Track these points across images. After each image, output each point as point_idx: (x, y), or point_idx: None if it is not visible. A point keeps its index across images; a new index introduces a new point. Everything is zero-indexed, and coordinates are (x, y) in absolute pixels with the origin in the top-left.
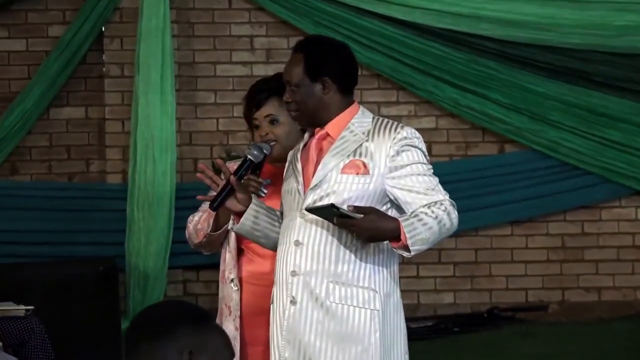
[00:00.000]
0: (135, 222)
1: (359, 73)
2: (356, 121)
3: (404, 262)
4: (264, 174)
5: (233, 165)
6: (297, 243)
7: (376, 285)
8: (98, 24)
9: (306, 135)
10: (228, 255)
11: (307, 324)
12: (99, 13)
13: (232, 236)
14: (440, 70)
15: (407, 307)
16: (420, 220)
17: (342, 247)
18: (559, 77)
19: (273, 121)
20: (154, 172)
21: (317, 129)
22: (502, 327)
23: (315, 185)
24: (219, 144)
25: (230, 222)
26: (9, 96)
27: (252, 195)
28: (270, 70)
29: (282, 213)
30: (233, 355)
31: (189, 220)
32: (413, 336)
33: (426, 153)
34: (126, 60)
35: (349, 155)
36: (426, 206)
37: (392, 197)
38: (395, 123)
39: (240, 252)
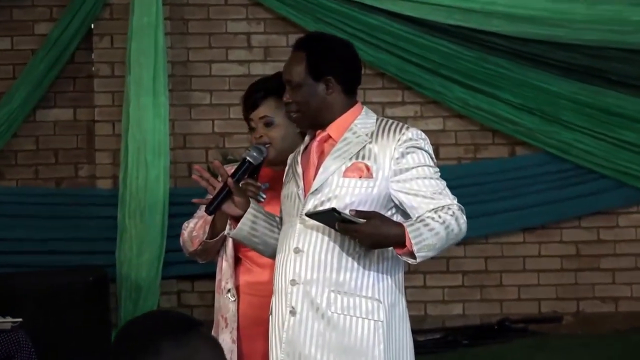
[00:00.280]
0: (127, 230)
1: (363, 72)
2: (359, 122)
3: (409, 271)
4: (262, 177)
5: (230, 169)
6: (297, 250)
7: (380, 295)
8: (87, 21)
9: (307, 138)
10: (225, 264)
11: (308, 335)
12: (87, 10)
13: (229, 244)
14: (448, 69)
15: (413, 319)
16: (427, 225)
17: (344, 255)
18: (572, 75)
19: (268, 123)
20: (146, 177)
21: (318, 131)
22: (513, 339)
23: (316, 189)
24: (214, 147)
25: (227, 227)
26: None
27: (251, 199)
28: (268, 69)
29: (281, 219)
30: None
31: (183, 227)
32: (420, 350)
33: (433, 155)
34: (116, 59)
35: (351, 158)
36: (433, 211)
37: (396, 202)
38: (400, 124)
39: (237, 261)
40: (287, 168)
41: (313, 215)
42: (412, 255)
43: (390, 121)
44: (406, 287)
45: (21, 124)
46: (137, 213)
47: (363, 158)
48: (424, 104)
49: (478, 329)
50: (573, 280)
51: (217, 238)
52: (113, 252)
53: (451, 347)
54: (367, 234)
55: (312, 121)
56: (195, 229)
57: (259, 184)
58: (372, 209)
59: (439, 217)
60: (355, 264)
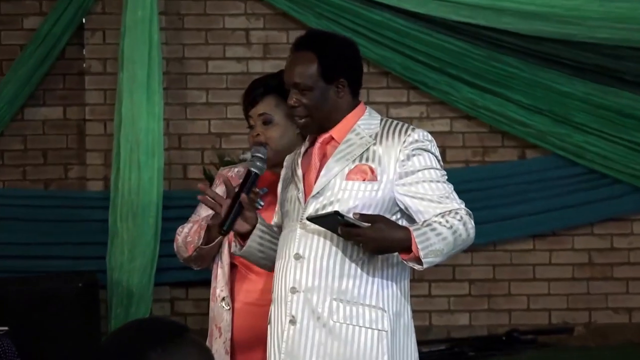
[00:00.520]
0: (118, 234)
1: (366, 70)
2: (363, 123)
3: (414, 279)
4: (260, 182)
5: (227, 172)
6: (298, 256)
7: (384, 304)
8: (78, 16)
9: (306, 140)
10: (220, 272)
11: (308, 345)
12: (78, 3)
13: (225, 250)
14: (456, 68)
15: (418, 329)
16: (434, 230)
17: (347, 261)
18: (585, 75)
19: (267, 121)
20: (139, 179)
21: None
22: (522, 351)
23: (318, 192)
24: (211, 147)
25: (233, 245)
26: None
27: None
28: (267, 67)
29: (279, 226)
30: None
31: (177, 231)
32: None
33: (439, 158)
34: (109, 56)
35: (354, 160)
36: (440, 215)
37: (402, 206)
38: (406, 125)
39: (233, 268)
40: (283, 171)
41: (314, 219)
42: (418, 261)
43: (395, 122)
44: (410, 296)
45: (8, 122)
46: (129, 216)
47: (367, 160)
48: (430, 105)
49: (485, 340)
50: (585, 290)
51: (212, 244)
52: (104, 257)
53: (457, 359)
54: (372, 239)
55: (322, 125)
56: (190, 234)
57: (257, 189)
58: (377, 213)
59: (447, 221)
60: (359, 271)
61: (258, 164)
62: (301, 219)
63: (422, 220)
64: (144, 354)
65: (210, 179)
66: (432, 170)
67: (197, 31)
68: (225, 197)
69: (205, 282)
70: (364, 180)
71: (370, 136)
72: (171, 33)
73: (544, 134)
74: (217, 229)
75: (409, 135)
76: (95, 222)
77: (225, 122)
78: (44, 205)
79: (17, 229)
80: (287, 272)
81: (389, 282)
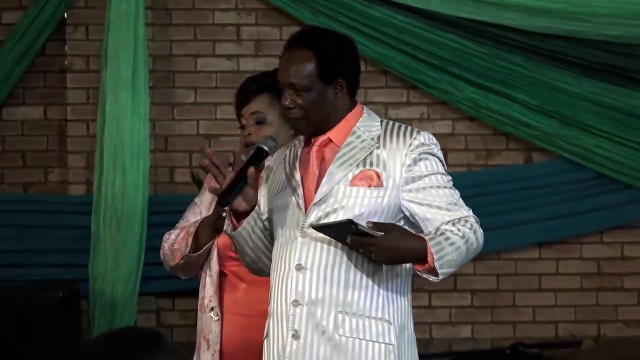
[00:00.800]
0: (101, 241)
1: (364, 69)
2: (362, 125)
3: (413, 290)
4: None
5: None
6: (299, 267)
7: (390, 316)
8: (59, 10)
9: (297, 141)
10: (208, 280)
11: None
12: None
13: (214, 258)
14: (458, 67)
15: (417, 343)
16: (448, 239)
17: (352, 271)
18: (594, 74)
19: (260, 121)
20: (123, 183)
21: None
22: None
23: (320, 199)
24: (199, 150)
25: (226, 224)
26: None
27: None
28: (259, 65)
29: (271, 232)
30: None
31: (164, 238)
32: None
33: (444, 162)
34: (92, 52)
35: (358, 165)
36: (450, 223)
37: (407, 213)
38: (410, 127)
39: (222, 277)
40: (270, 174)
41: (321, 227)
42: (433, 272)
43: (397, 124)
44: None
45: None
46: (112, 222)
47: (371, 165)
48: (431, 105)
49: (488, 354)
50: (594, 301)
51: (200, 251)
52: (86, 265)
53: None
54: (386, 248)
55: (318, 127)
56: (177, 241)
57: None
58: (382, 220)
59: (458, 230)
60: (364, 282)
61: (270, 142)
62: (302, 227)
63: (430, 228)
64: None
65: (198, 183)
66: (439, 176)
67: (185, 27)
68: (212, 200)
69: (193, 292)
70: (369, 186)
71: (372, 139)
72: (158, 29)
73: (551, 137)
74: (218, 200)
75: (415, 138)
76: (77, 228)
77: (215, 123)
78: (22, 210)
79: None
80: (287, 284)
81: (395, 293)
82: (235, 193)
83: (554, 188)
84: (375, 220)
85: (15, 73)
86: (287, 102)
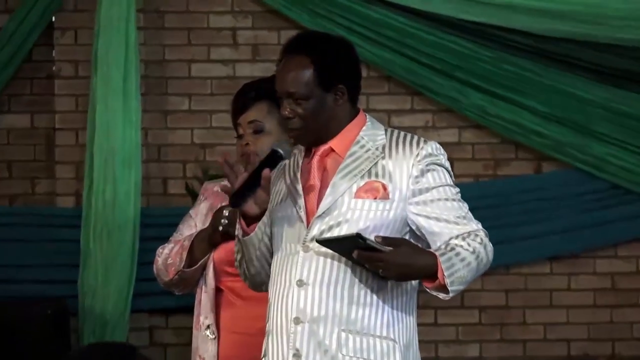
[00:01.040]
0: (91, 255)
1: (365, 75)
2: (366, 134)
3: (418, 306)
4: None
5: (212, 187)
6: (301, 283)
7: (395, 335)
8: (47, 13)
9: (298, 151)
10: (204, 297)
11: None
12: (48, 0)
13: (210, 273)
14: (464, 72)
15: None
16: (458, 255)
17: (355, 287)
18: (608, 80)
19: (257, 130)
20: (114, 194)
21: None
22: None
23: (324, 212)
24: (194, 160)
25: (237, 228)
26: None
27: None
28: (256, 70)
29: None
30: None
31: (157, 253)
32: None
33: (452, 173)
34: (81, 57)
35: (363, 176)
36: (459, 238)
37: (413, 226)
38: (416, 137)
39: (218, 293)
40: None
41: (327, 241)
42: (443, 289)
43: (403, 133)
44: None
45: None
46: (103, 236)
47: (377, 176)
48: (436, 112)
49: None
50: (608, 318)
51: (196, 266)
52: (75, 280)
53: None
54: (395, 264)
55: (318, 137)
56: (171, 255)
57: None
58: (387, 234)
59: (468, 245)
60: (369, 299)
61: (286, 146)
62: (304, 241)
63: (439, 242)
64: None
65: (192, 195)
66: (447, 188)
67: (178, 30)
68: (208, 213)
69: (188, 309)
70: (375, 198)
71: (377, 149)
72: (150, 32)
73: (562, 145)
74: (229, 200)
75: (422, 148)
76: (66, 242)
77: (210, 132)
78: (8, 223)
79: None
80: (288, 301)
81: (400, 311)
82: (247, 195)
83: (566, 199)
84: (381, 233)
85: (1, 79)
86: (287, 112)
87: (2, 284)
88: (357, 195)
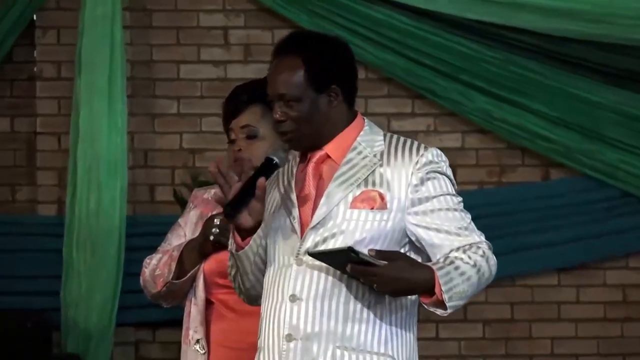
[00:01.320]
0: (74, 266)
1: (364, 76)
2: (363, 140)
3: (419, 320)
4: None
5: (202, 194)
6: (294, 298)
7: (394, 351)
8: (28, 11)
9: (292, 157)
10: (194, 309)
11: None
12: None
13: (200, 285)
14: (468, 74)
15: None
16: (457, 268)
17: (351, 302)
18: (619, 82)
19: (251, 135)
20: (98, 202)
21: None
22: None
23: (318, 223)
24: (182, 166)
25: (230, 243)
26: None
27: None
28: (249, 72)
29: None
30: None
31: (144, 263)
32: None
33: (454, 181)
34: (64, 58)
35: (359, 185)
36: (460, 250)
37: (413, 238)
38: (416, 142)
39: (208, 306)
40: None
41: (318, 254)
42: (441, 304)
43: (402, 138)
44: None
45: None
46: (87, 245)
47: (374, 185)
48: (439, 116)
49: None
50: (619, 332)
51: (185, 278)
52: (57, 292)
53: None
54: (390, 279)
55: (312, 141)
56: (158, 266)
57: None
58: (385, 246)
59: (469, 257)
60: (365, 314)
61: (281, 154)
62: (297, 253)
63: (439, 255)
64: None
65: (181, 202)
66: (448, 197)
67: (167, 30)
68: (198, 221)
69: (176, 322)
70: (372, 208)
71: (375, 155)
72: (137, 32)
73: (571, 151)
74: (223, 212)
75: (422, 155)
76: (48, 251)
77: (200, 136)
78: None
79: None
80: (280, 316)
81: (399, 326)
82: (242, 206)
83: (575, 208)
84: (378, 245)
85: None
86: (278, 115)
87: None
88: (353, 205)
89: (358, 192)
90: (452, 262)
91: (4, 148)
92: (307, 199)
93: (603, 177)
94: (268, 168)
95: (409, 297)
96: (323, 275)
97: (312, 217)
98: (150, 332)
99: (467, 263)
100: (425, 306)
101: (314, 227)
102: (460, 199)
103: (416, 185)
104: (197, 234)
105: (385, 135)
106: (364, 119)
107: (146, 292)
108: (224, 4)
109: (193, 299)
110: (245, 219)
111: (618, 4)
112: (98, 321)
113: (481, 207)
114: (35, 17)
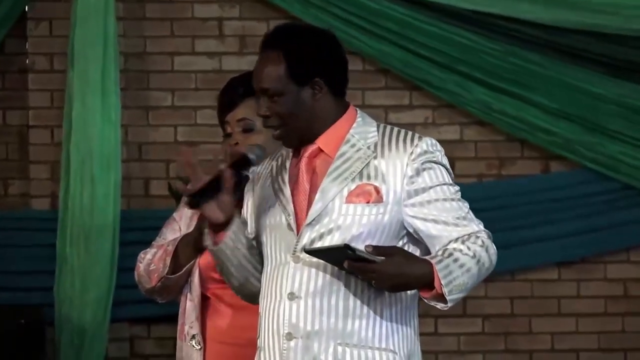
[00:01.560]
0: (68, 261)
1: (361, 68)
2: (356, 132)
3: (419, 315)
4: None
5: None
6: (292, 296)
7: (395, 345)
8: (19, 3)
9: (285, 152)
10: (189, 305)
11: None
12: None
13: (195, 280)
14: (467, 65)
15: None
16: (456, 260)
17: (351, 298)
18: (620, 74)
19: (247, 128)
20: (92, 196)
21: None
22: None
23: (314, 219)
24: (177, 159)
25: (207, 239)
26: None
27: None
28: (244, 64)
29: (260, 253)
30: None
31: (139, 258)
32: None
33: (450, 170)
34: (56, 50)
35: (354, 179)
36: (459, 241)
37: (411, 230)
38: (410, 132)
39: (204, 301)
40: (254, 188)
41: (315, 252)
42: (442, 298)
43: (396, 129)
44: None
45: None
46: (80, 240)
47: (369, 178)
48: (437, 108)
49: None
50: (620, 327)
51: (180, 272)
52: (51, 288)
53: None
54: (388, 275)
55: (301, 136)
56: (153, 260)
57: (246, 174)
58: (382, 241)
59: (468, 248)
60: (365, 310)
61: (258, 151)
62: (294, 251)
63: (438, 247)
64: None
65: (176, 196)
66: (445, 187)
67: (160, 21)
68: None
69: (171, 318)
70: (368, 202)
71: (369, 147)
72: (130, 23)
73: (572, 143)
74: (187, 200)
75: (417, 145)
76: (41, 246)
77: (195, 129)
78: None
79: None
80: (279, 315)
81: (399, 321)
82: (206, 196)
83: (575, 201)
84: (376, 239)
85: None
86: (262, 111)
87: None
88: (349, 199)
89: (353, 186)
90: (450, 255)
91: None
92: (301, 195)
93: (604, 169)
94: (241, 164)
95: (409, 291)
96: (321, 272)
97: (307, 213)
98: (145, 327)
99: (466, 254)
100: (426, 300)
101: (309, 223)
102: (457, 188)
103: (412, 177)
104: (192, 228)
105: (378, 126)
106: (356, 111)
107: (141, 287)
108: None
109: (188, 294)
110: (214, 212)
111: None
112: (92, 317)
113: (480, 200)
114: (27, 9)
